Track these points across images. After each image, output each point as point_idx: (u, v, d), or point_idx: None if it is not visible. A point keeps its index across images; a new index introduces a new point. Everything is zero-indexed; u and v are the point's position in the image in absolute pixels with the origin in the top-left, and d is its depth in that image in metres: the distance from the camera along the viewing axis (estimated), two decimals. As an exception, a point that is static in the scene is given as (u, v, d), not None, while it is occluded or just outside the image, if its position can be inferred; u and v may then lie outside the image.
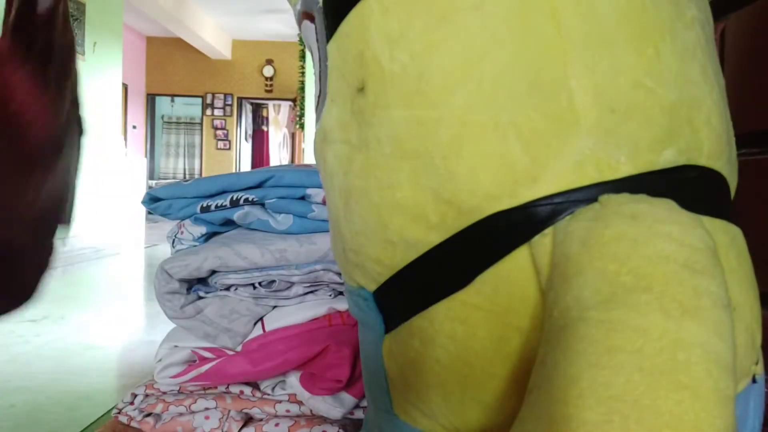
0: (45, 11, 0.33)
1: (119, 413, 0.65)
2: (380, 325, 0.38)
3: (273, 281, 0.66)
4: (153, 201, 0.71)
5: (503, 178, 0.30)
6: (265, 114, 10.20)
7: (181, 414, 0.64)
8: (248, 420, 0.63)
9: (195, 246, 0.69)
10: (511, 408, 0.31)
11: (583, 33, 0.29)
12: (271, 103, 9.83)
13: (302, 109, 5.97)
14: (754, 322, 0.33)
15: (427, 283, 0.33)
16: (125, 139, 7.07)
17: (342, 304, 0.67)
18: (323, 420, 0.62)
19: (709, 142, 0.32)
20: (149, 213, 7.48)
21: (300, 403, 0.64)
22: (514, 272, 0.30)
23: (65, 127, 0.36)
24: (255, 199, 0.68)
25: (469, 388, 0.32)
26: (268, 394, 0.65)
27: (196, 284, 0.67)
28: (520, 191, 0.30)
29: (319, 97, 0.41)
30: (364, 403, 0.64)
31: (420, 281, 0.34)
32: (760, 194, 0.51)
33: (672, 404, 0.23)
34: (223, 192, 0.69)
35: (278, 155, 10.29)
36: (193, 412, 0.63)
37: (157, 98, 9.09)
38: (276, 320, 0.66)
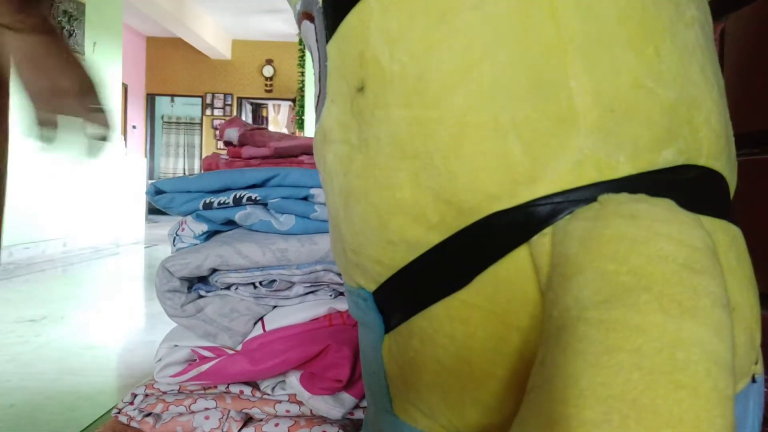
0: None
1: (119, 413, 0.65)
2: (380, 325, 0.38)
3: (273, 281, 0.66)
4: (157, 193, 0.71)
5: (503, 178, 0.30)
6: (265, 114, 10.19)
7: (181, 414, 0.64)
8: (248, 420, 0.63)
9: (196, 244, 0.69)
10: (511, 408, 0.31)
11: (583, 33, 0.29)
12: (270, 103, 9.83)
13: (302, 108, 5.98)
14: (754, 322, 0.33)
15: (427, 283, 0.33)
16: (125, 139, 7.08)
17: (342, 305, 0.67)
18: (323, 420, 0.62)
19: (709, 142, 0.32)
20: (149, 213, 7.48)
21: (300, 403, 0.64)
22: (514, 272, 0.30)
23: None
24: (258, 198, 0.68)
25: (469, 388, 0.32)
26: (268, 394, 0.65)
27: (197, 283, 0.67)
28: (519, 191, 0.30)
29: (319, 97, 0.41)
30: (364, 403, 0.64)
31: (420, 281, 0.34)
32: (760, 194, 0.51)
33: (671, 403, 0.23)
34: (227, 189, 0.69)
35: (278, 155, 10.27)
36: (193, 412, 0.64)
37: (157, 98, 9.09)
38: (276, 320, 0.66)
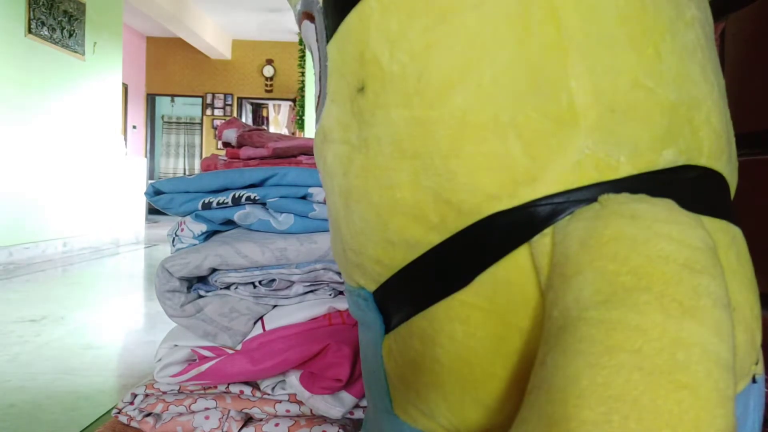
0: None
1: (119, 413, 0.65)
2: (380, 325, 0.38)
3: (273, 280, 0.66)
4: (156, 194, 0.71)
5: (503, 178, 0.30)
6: (265, 114, 10.19)
7: (181, 414, 0.64)
8: (248, 420, 0.63)
9: (195, 244, 0.69)
10: (511, 408, 0.31)
11: (583, 33, 0.29)
12: (271, 103, 9.83)
13: (302, 108, 5.98)
14: (754, 322, 0.33)
15: (427, 283, 0.33)
16: (125, 139, 7.07)
17: (342, 304, 0.67)
18: (323, 420, 0.62)
19: (709, 142, 0.32)
20: (149, 213, 7.48)
21: (300, 403, 0.64)
22: (514, 272, 0.30)
23: None
24: (257, 198, 0.68)
25: (469, 388, 0.32)
26: (268, 394, 0.65)
27: (197, 283, 0.67)
28: (520, 191, 0.30)
29: (319, 97, 0.41)
30: (364, 403, 0.64)
31: (420, 281, 0.34)
32: (760, 194, 0.51)
33: (672, 404, 0.23)
34: (226, 189, 0.69)
35: (278, 155, 10.28)
36: (193, 412, 0.64)
37: (157, 98, 9.09)
38: (276, 319, 0.66)
